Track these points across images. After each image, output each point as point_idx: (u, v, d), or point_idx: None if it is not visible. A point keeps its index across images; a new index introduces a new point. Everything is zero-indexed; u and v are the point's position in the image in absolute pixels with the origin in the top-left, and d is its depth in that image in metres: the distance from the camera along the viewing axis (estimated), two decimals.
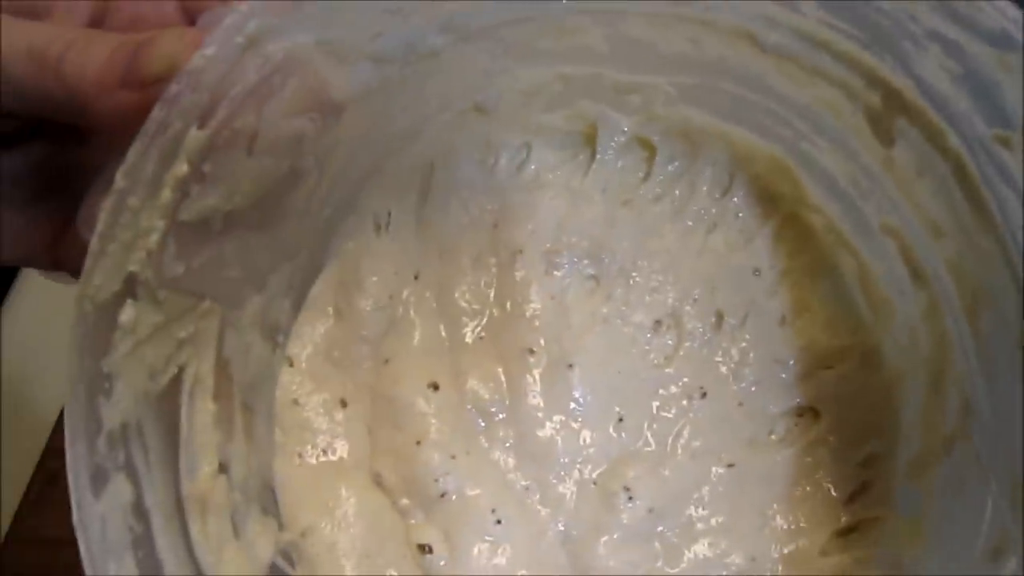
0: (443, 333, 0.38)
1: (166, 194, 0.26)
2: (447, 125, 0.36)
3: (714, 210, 0.40)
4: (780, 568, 0.35)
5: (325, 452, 0.35)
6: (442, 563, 0.33)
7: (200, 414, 0.30)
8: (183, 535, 0.28)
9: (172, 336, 0.28)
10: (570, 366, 0.38)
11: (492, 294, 0.39)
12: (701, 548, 0.35)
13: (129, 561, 0.25)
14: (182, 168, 0.26)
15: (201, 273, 0.29)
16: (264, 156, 0.29)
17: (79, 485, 0.24)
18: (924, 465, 0.33)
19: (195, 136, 0.25)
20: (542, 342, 0.38)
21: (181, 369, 0.29)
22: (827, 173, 0.35)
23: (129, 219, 0.25)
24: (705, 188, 0.40)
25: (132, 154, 0.24)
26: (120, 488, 0.25)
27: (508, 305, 0.39)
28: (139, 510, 0.26)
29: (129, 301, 0.26)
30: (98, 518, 0.24)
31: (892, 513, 0.34)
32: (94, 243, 0.25)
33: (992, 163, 0.27)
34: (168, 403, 0.29)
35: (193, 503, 0.28)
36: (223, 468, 0.30)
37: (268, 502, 0.33)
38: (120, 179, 0.25)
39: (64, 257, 0.32)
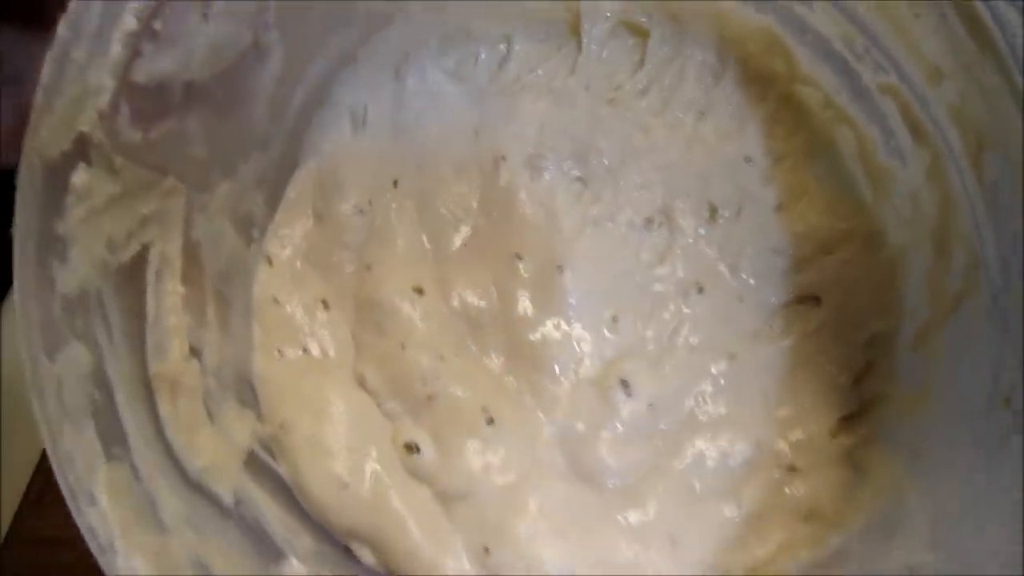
0: (427, 243, 0.37)
1: (116, 50, 0.25)
2: (422, 9, 0.35)
3: (704, 98, 0.38)
4: (788, 453, 0.33)
5: (306, 350, 0.33)
6: (431, 463, 0.32)
7: (168, 295, 0.29)
8: (151, 414, 0.27)
9: (133, 210, 0.27)
10: (560, 269, 0.36)
11: (476, 203, 0.38)
12: (704, 441, 0.33)
13: (89, 429, 0.24)
14: (130, 22, 0.24)
15: (162, 146, 0.28)
16: (221, 21, 0.28)
17: (31, 345, 0.23)
18: (929, 331, 0.31)
19: None
20: (530, 247, 0.37)
21: (146, 248, 0.28)
22: (821, 37, 0.34)
23: (75, 74, 0.24)
24: (695, 75, 0.38)
25: (74, 4, 0.23)
26: (78, 355, 0.24)
27: (493, 213, 0.37)
28: (100, 380, 0.25)
29: (82, 164, 0.25)
30: (54, 380, 0.23)
31: (897, 388, 0.33)
32: (39, 96, 0.24)
33: None
34: (133, 280, 0.28)
35: (162, 383, 0.27)
36: (195, 353, 0.29)
37: (245, 394, 0.32)
38: (63, 29, 0.23)
39: None
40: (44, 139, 0.24)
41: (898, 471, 0.30)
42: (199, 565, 0.25)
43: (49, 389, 0.23)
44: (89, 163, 0.25)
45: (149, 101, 0.27)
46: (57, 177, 0.24)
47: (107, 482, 0.23)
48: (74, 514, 0.22)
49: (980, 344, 0.28)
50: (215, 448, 0.28)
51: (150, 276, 0.28)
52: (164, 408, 0.27)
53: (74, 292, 0.25)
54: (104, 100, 0.25)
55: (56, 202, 0.24)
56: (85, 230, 0.25)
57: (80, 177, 0.25)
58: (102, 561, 0.22)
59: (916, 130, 0.31)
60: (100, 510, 0.23)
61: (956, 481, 0.27)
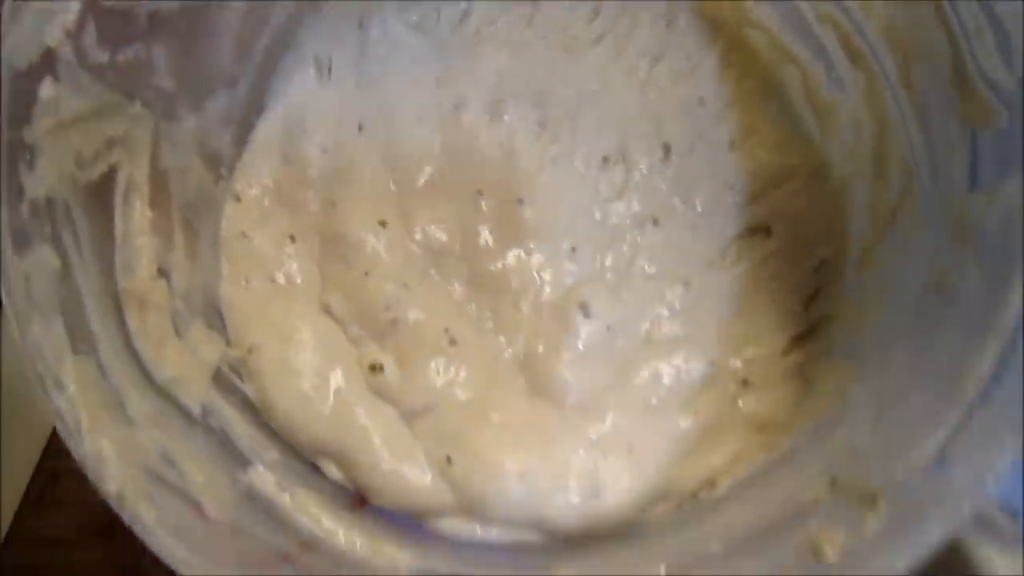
0: (391, 182, 0.38)
1: None
2: None
3: (657, 43, 0.40)
4: (742, 370, 0.35)
5: (274, 280, 0.34)
6: (394, 382, 0.33)
7: (136, 218, 0.30)
8: (119, 324, 0.28)
9: (100, 130, 0.28)
10: (521, 203, 0.37)
11: (438, 145, 0.39)
12: (661, 360, 0.35)
13: (58, 324, 0.25)
14: None
15: (128, 71, 0.29)
16: None
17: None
18: (872, 247, 0.33)
19: None
20: (491, 184, 0.38)
21: (113, 169, 0.29)
22: None
23: None
24: (648, 22, 0.40)
25: None
26: (46, 258, 0.25)
27: (455, 154, 0.39)
28: (68, 285, 0.26)
29: (49, 78, 0.26)
30: (22, 275, 0.24)
31: (845, 307, 0.34)
32: (7, 7, 0.25)
33: None
34: (101, 198, 0.29)
35: (130, 298, 0.28)
36: (163, 274, 0.30)
37: (213, 319, 0.32)
38: None
39: None
40: (11, 49, 0.25)
41: (846, 377, 0.32)
42: (167, 460, 0.25)
43: (17, 284, 0.24)
44: (57, 78, 0.26)
45: (115, 24, 0.28)
46: (25, 88, 0.25)
47: (75, 373, 0.24)
48: (42, 397, 0.23)
49: (915, 246, 0.29)
50: (183, 362, 0.29)
51: (118, 198, 0.29)
52: (132, 321, 0.28)
53: (42, 199, 0.26)
54: (71, 18, 0.26)
55: (24, 112, 0.25)
56: (53, 142, 0.26)
57: (47, 90, 0.26)
58: (69, 444, 0.23)
59: (854, 56, 0.33)
60: (68, 396, 0.23)
61: (895, 368, 0.28)
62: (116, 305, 0.28)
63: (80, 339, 0.25)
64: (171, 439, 0.26)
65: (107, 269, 0.28)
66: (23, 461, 0.60)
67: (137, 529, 0.22)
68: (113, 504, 0.22)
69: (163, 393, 0.28)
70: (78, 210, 0.27)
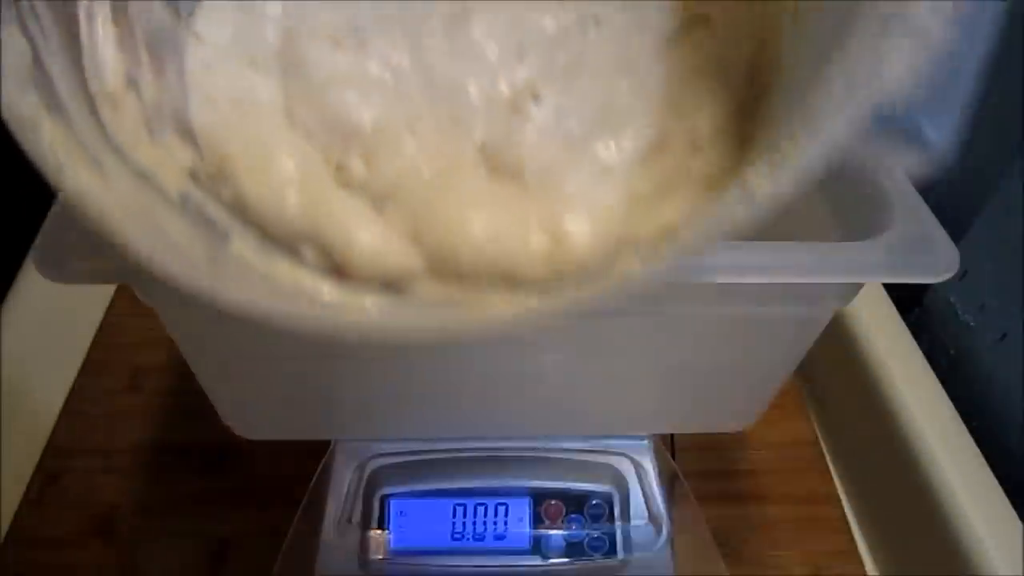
0: (345, 14, 0.40)
1: None
2: None
3: None
4: (691, 140, 0.36)
5: (240, 102, 0.36)
6: (361, 174, 0.35)
7: (102, 32, 0.32)
8: (93, 114, 0.29)
9: None
10: (467, 18, 0.39)
11: None
12: (614, 136, 0.37)
13: (32, 95, 0.26)
14: None
15: None
16: None
17: None
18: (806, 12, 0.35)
19: None
20: (440, 8, 0.40)
21: None
22: None
23: None
24: None
25: None
26: (15, 39, 0.27)
27: None
28: (40, 70, 0.28)
29: None
30: None
31: (783, 71, 0.36)
32: None
33: None
34: (65, 13, 0.30)
35: (102, 99, 0.30)
36: (132, 86, 0.32)
37: (183, 132, 0.34)
38: None
39: None
40: None
41: (790, 123, 0.33)
42: (149, 217, 0.27)
43: None
44: None
45: None
46: None
47: (53, 134, 0.26)
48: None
49: None
50: (158, 157, 0.31)
51: (81, 16, 0.31)
52: (106, 115, 0.30)
53: None
54: None
55: None
56: None
57: None
58: (53, 180, 0.25)
59: None
60: (48, 143, 0.25)
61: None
62: (89, 99, 0.30)
63: (57, 113, 0.27)
64: (151, 204, 0.28)
65: (76, 66, 0.30)
66: (23, 461, 0.63)
67: (130, 252, 0.24)
68: (102, 231, 0.24)
69: (140, 175, 0.30)
70: (46, 17, 0.29)
